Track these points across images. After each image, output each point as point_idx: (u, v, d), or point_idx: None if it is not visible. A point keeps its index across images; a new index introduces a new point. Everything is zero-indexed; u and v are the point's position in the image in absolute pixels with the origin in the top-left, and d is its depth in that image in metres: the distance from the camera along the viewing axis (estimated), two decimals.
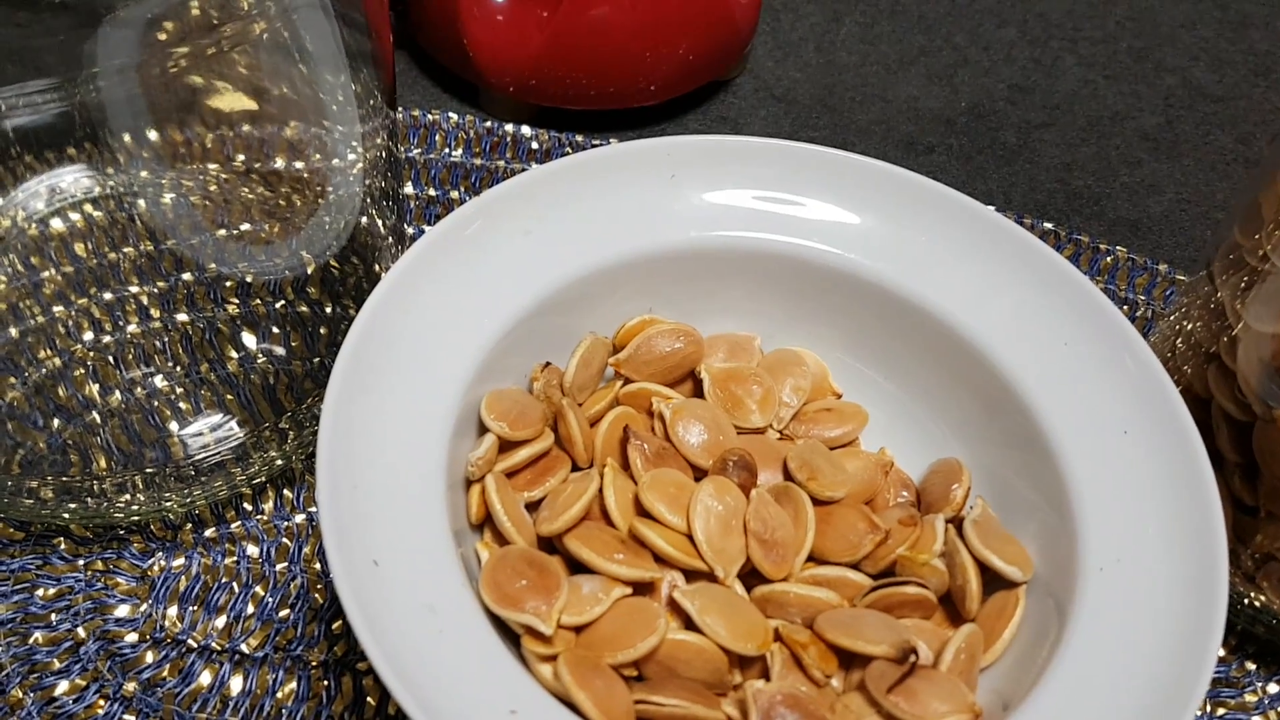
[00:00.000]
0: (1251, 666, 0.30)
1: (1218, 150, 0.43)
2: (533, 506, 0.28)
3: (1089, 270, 0.38)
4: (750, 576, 0.27)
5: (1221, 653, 0.31)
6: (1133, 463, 0.26)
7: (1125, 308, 0.37)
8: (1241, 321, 0.27)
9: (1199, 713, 0.30)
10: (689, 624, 0.25)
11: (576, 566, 0.26)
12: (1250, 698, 0.30)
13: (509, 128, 0.40)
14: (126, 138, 0.30)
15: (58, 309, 0.31)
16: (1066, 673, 0.24)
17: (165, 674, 0.27)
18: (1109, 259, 0.38)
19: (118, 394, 0.30)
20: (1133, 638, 0.24)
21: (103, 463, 0.29)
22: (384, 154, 0.31)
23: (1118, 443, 0.27)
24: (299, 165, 0.32)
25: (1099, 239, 0.39)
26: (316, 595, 0.29)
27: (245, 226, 0.33)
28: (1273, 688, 0.30)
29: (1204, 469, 0.26)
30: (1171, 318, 0.31)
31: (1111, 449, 0.27)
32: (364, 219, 0.32)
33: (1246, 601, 0.30)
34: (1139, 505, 0.26)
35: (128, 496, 0.29)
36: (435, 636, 0.23)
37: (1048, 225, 0.39)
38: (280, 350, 0.32)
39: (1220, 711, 0.30)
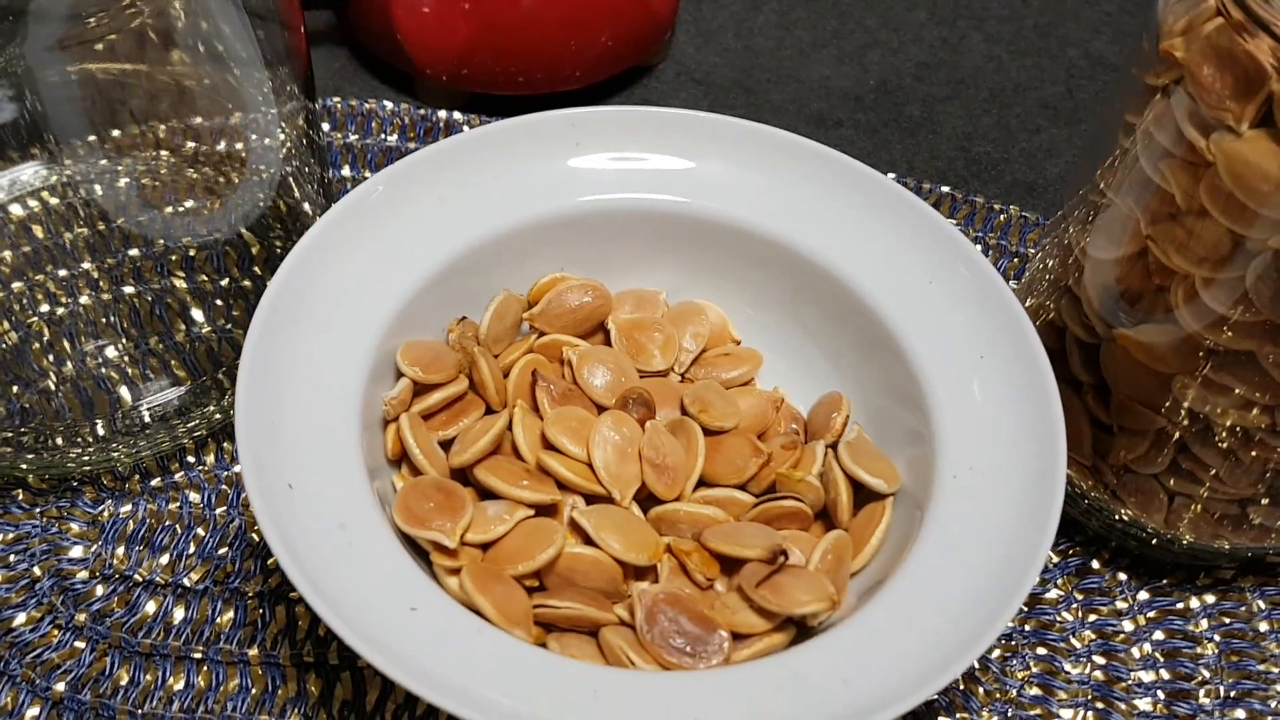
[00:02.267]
0: (1123, 577, 0.33)
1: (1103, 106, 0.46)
2: (447, 446, 0.30)
3: (983, 228, 0.41)
4: (647, 501, 0.29)
5: (1096, 566, 0.33)
6: (987, 383, 0.29)
7: (1015, 260, 0.40)
8: (1086, 252, 0.30)
9: (1072, 619, 0.32)
10: (587, 540, 0.28)
11: (488, 499, 0.29)
12: (1121, 604, 0.32)
13: (442, 114, 0.43)
14: (67, 129, 0.32)
15: (15, 285, 0.34)
16: (919, 564, 0.26)
17: (114, 606, 0.30)
18: (1002, 217, 0.41)
19: (71, 362, 0.33)
20: (978, 531, 0.26)
21: (56, 421, 0.32)
22: (304, 139, 0.34)
23: (974, 366, 0.29)
24: (220, 147, 0.35)
25: (994, 200, 0.42)
26: (253, 535, 0.31)
27: (189, 203, 0.35)
28: (1143, 595, 0.33)
29: (1050, 386, 0.28)
30: (1037, 257, 0.33)
31: (968, 372, 0.29)
32: (294, 199, 0.35)
33: (1117, 518, 0.32)
34: (992, 419, 0.28)
35: (79, 450, 0.31)
36: (344, 549, 0.25)
37: (946, 189, 0.42)
38: (224, 322, 0.34)
39: (1092, 618, 0.32)
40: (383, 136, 0.42)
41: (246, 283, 0.36)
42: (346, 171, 0.41)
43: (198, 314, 0.34)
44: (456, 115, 0.43)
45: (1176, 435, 0.29)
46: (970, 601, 0.25)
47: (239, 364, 0.26)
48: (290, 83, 0.31)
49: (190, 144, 0.34)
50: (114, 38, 0.25)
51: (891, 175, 0.42)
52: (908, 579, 0.26)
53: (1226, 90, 0.24)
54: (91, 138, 0.33)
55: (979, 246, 0.40)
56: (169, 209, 0.35)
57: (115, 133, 0.33)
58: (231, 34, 0.29)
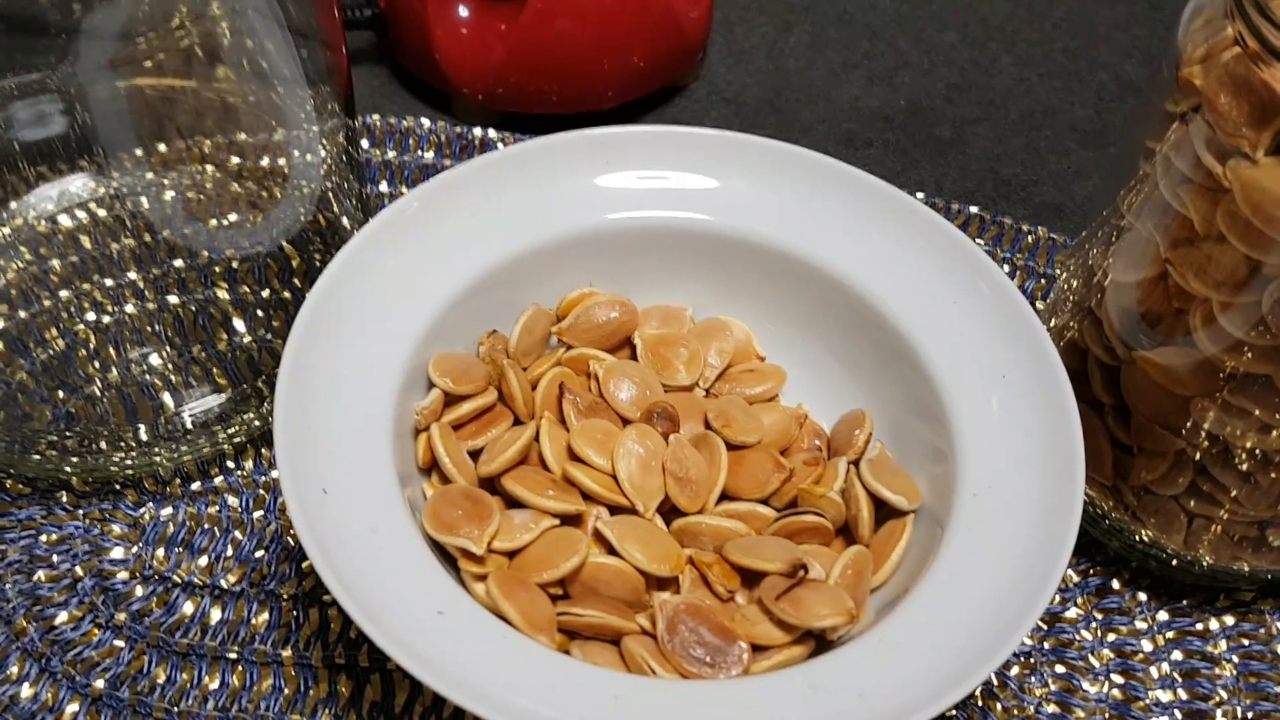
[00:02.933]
0: (1143, 597, 0.33)
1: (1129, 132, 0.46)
2: (476, 455, 0.31)
3: (1011, 249, 0.41)
4: (671, 513, 0.30)
5: (1116, 585, 0.33)
6: (1009, 402, 0.29)
7: (1042, 281, 0.40)
8: (1107, 275, 0.30)
9: (1091, 638, 0.32)
10: (611, 550, 0.29)
11: (514, 508, 0.29)
12: (1140, 624, 0.32)
13: (477, 131, 0.44)
14: (112, 144, 0.33)
15: (64, 294, 0.35)
16: (938, 580, 0.27)
17: (153, 606, 0.31)
18: (1030, 239, 0.41)
19: (116, 369, 0.34)
20: (996, 548, 0.27)
21: (101, 426, 0.33)
22: (344, 155, 0.35)
23: (996, 385, 0.30)
24: (264, 163, 0.36)
25: (1022, 221, 0.42)
26: (289, 539, 0.32)
27: (233, 217, 0.36)
28: (1162, 615, 0.33)
29: (1070, 407, 0.29)
30: (1060, 279, 0.34)
31: (990, 391, 0.30)
32: (333, 213, 0.36)
33: (1137, 539, 0.32)
34: (1013, 438, 0.29)
35: (122, 454, 0.32)
36: (376, 553, 0.26)
37: (974, 210, 0.42)
38: (265, 332, 0.35)
39: (1111, 637, 0.32)
40: (420, 153, 0.43)
41: (286, 294, 0.37)
42: (384, 187, 0.42)
43: (239, 324, 0.36)
44: (491, 133, 0.43)
45: (1196, 457, 0.30)
46: (987, 617, 0.26)
47: (278, 373, 0.27)
48: (331, 100, 0.32)
49: (234, 159, 0.35)
50: (162, 56, 0.26)
51: (920, 195, 0.43)
52: (926, 594, 0.26)
53: (1243, 118, 0.24)
54: (139, 151, 0.34)
55: (1007, 268, 0.40)
56: (213, 222, 0.36)
57: (162, 147, 0.34)
58: (275, 53, 0.30)
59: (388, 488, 0.28)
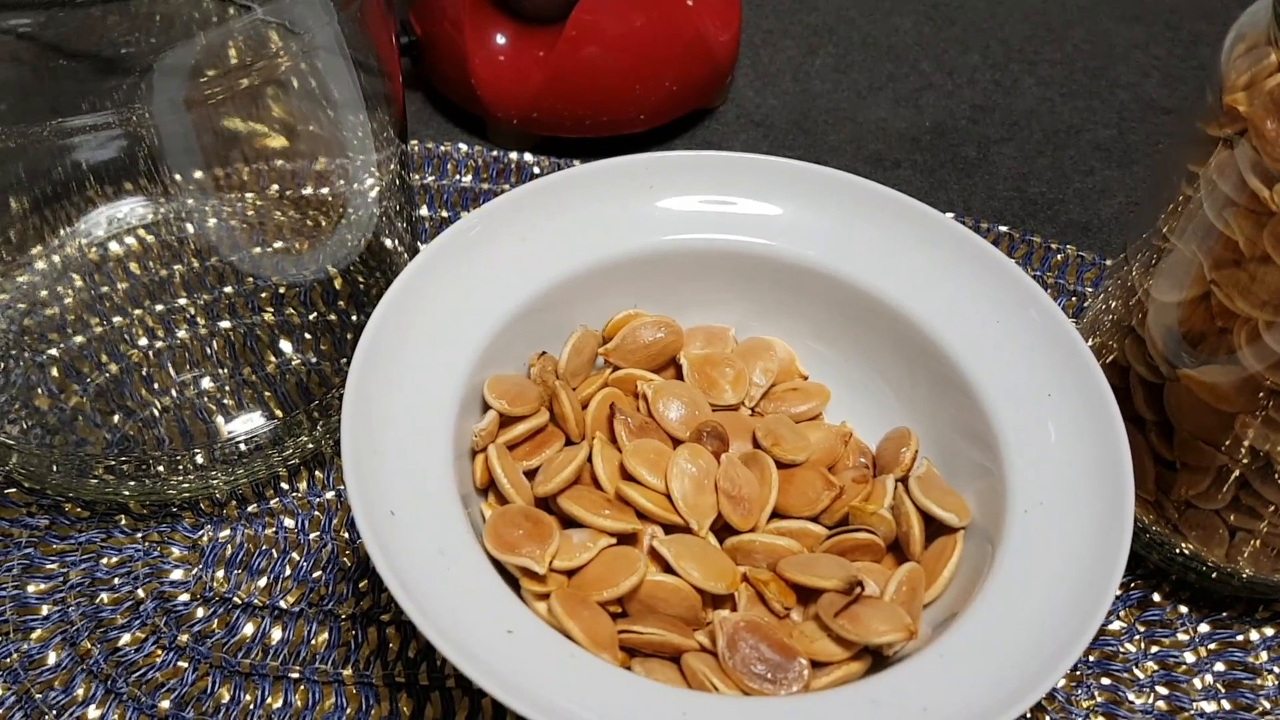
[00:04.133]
0: (1184, 610, 0.34)
1: (1164, 155, 0.47)
2: (531, 475, 0.31)
3: (1040, 267, 0.42)
4: (723, 530, 0.31)
5: (1157, 599, 0.34)
6: (1055, 421, 0.30)
7: (1073, 299, 0.41)
8: (1149, 295, 0.31)
9: (1135, 650, 0.33)
10: (667, 569, 0.29)
11: (570, 526, 0.30)
12: (1183, 636, 0.33)
13: (513, 155, 0.44)
14: (173, 171, 0.34)
15: (117, 320, 0.36)
16: (993, 597, 0.27)
17: (214, 627, 0.31)
18: (1059, 256, 0.42)
19: (171, 393, 0.35)
20: (1050, 565, 0.27)
21: (156, 449, 0.33)
22: (397, 180, 0.36)
23: (1042, 404, 0.30)
24: (324, 191, 0.37)
25: (1051, 240, 0.43)
26: (345, 559, 0.33)
27: (278, 244, 0.37)
28: (1204, 628, 0.33)
29: (1116, 424, 0.29)
30: (1099, 299, 0.35)
31: (1037, 410, 0.30)
32: (385, 239, 0.37)
33: (1178, 552, 0.33)
34: (1060, 456, 0.29)
35: (179, 477, 0.33)
36: (444, 573, 0.27)
37: (1003, 229, 0.43)
38: (312, 355, 0.36)
39: (1154, 649, 0.33)
40: (458, 177, 0.43)
41: (332, 317, 0.37)
42: (425, 211, 0.42)
43: (286, 346, 0.36)
44: (528, 157, 0.44)
45: (1238, 472, 0.30)
46: (1043, 633, 0.26)
47: (343, 398, 0.28)
48: (387, 127, 0.33)
49: (293, 187, 0.36)
50: (232, 90, 0.27)
51: (950, 215, 0.44)
52: (982, 611, 0.27)
53: None
54: (200, 175, 0.35)
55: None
56: (268, 247, 0.37)
57: (224, 176, 0.35)
58: (339, 84, 0.31)
59: (451, 509, 0.28)
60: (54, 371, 0.35)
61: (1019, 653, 0.26)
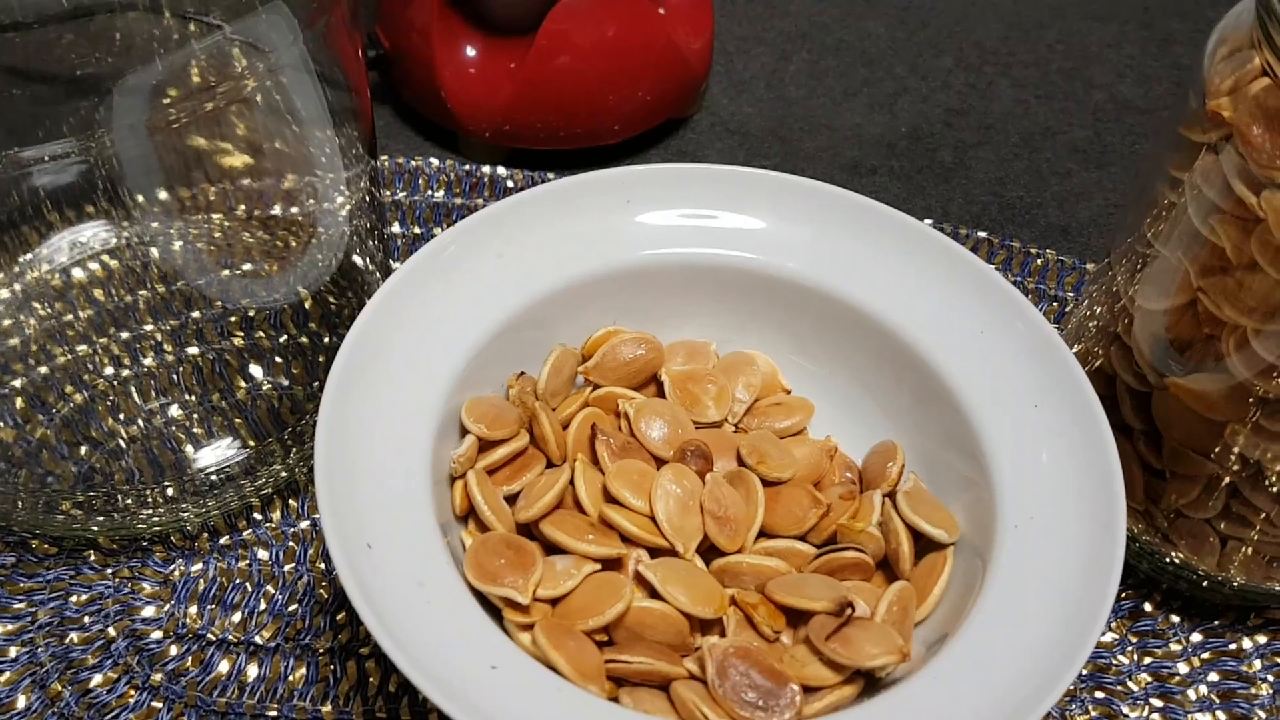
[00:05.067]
0: (1176, 619, 0.33)
1: (1143, 158, 0.47)
2: (511, 500, 0.31)
3: (1020, 272, 0.41)
4: (709, 552, 0.30)
5: (1148, 609, 0.33)
6: (1043, 433, 0.30)
7: (1055, 304, 0.41)
8: (1134, 302, 0.30)
9: (1128, 662, 0.32)
10: (653, 594, 0.28)
11: (553, 552, 0.29)
12: (1175, 646, 0.33)
13: (486, 169, 0.44)
14: (136, 194, 0.33)
15: (81, 349, 0.35)
16: (986, 615, 0.27)
17: (188, 665, 0.30)
18: (1039, 261, 0.42)
19: (139, 422, 0.34)
20: (1043, 581, 0.27)
21: (125, 482, 0.32)
22: (367, 197, 0.35)
23: (1029, 416, 0.30)
24: (293, 210, 0.36)
25: (1030, 244, 0.43)
26: (321, 591, 0.32)
27: (246, 266, 0.36)
28: (1196, 637, 0.33)
29: (1105, 435, 0.29)
30: (1082, 305, 0.34)
31: (1024, 422, 0.30)
32: (356, 257, 0.36)
33: (1168, 560, 0.33)
34: (1049, 469, 0.29)
35: (149, 510, 0.32)
36: (424, 608, 0.26)
37: (982, 234, 0.42)
38: (284, 379, 0.35)
39: (1147, 660, 0.32)
40: (429, 193, 0.43)
41: (303, 339, 0.36)
42: (396, 228, 0.41)
43: (256, 371, 0.35)
44: (501, 170, 0.43)
45: (1228, 480, 0.30)
46: (1039, 652, 0.26)
47: (316, 425, 0.27)
48: (356, 143, 0.32)
49: (260, 207, 0.35)
50: (196, 111, 0.26)
51: (928, 221, 0.43)
52: (975, 630, 0.26)
53: (1277, 149, 0.25)
54: (164, 197, 0.34)
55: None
56: (234, 270, 0.36)
57: (186, 198, 0.34)
58: (304, 101, 0.30)
59: (430, 539, 0.27)
60: (18, 403, 0.34)
61: (1015, 673, 0.25)
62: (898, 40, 0.52)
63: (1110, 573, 0.26)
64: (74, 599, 0.31)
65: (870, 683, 0.27)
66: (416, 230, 0.42)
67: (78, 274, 0.36)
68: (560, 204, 0.34)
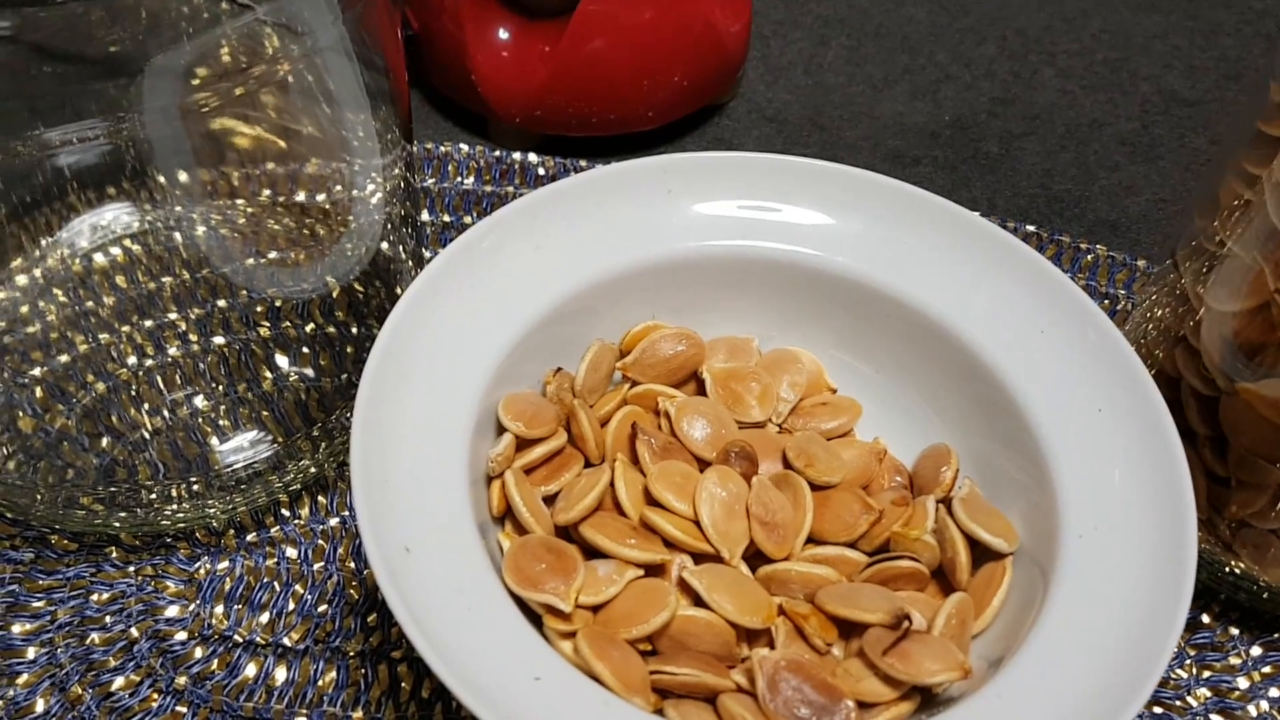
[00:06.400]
0: (1235, 631, 0.32)
1: (1192, 151, 0.45)
2: (549, 500, 0.29)
3: (1071, 268, 0.40)
4: (755, 558, 0.29)
5: (1206, 620, 0.32)
6: (1107, 438, 0.28)
7: (1106, 302, 0.39)
8: (1203, 303, 0.29)
9: (1186, 676, 0.31)
10: (698, 601, 0.27)
11: (592, 555, 0.28)
12: (1234, 660, 0.31)
13: (517, 156, 0.42)
14: (163, 177, 0.32)
15: (103, 337, 0.34)
16: (1050, 631, 0.26)
17: (214, 668, 0.29)
18: (1089, 257, 0.40)
19: (163, 413, 0.33)
20: (1110, 597, 0.26)
21: (149, 476, 0.31)
22: (401, 184, 0.34)
23: (1092, 420, 0.29)
24: (323, 197, 0.35)
25: (1080, 239, 0.41)
26: (351, 591, 0.31)
27: (273, 254, 0.35)
28: (1256, 650, 0.32)
29: (1173, 441, 0.28)
30: (1143, 305, 0.33)
31: (1087, 426, 0.29)
32: (384, 245, 0.35)
33: (1228, 570, 0.31)
34: (1114, 477, 0.28)
35: (173, 506, 0.31)
36: (464, 614, 0.25)
37: (1030, 228, 0.41)
38: (310, 370, 0.34)
39: (1206, 674, 0.31)
40: (459, 179, 0.41)
41: (330, 330, 0.35)
42: (425, 215, 0.40)
43: (283, 361, 0.34)
44: (532, 157, 0.42)
45: None
46: (1108, 670, 0.24)
47: (350, 423, 0.26)
48: (392, 128, 0.31)
49: (290, 193, 0.34)
50: (232, 94, 0.25)
51: (976, 214, 0.42)
52: (1040, 646, 0.25)
53: None
54: (188, 180, 0.33)
55: None
56: (265, 258, 0.35)
57: (216, 180, 0.33)
58: (340, 84, 0.29)
59: (469, 542, 0.26)
60: (37, 392, 0.32)
61: (1083, 693, 0.24)
62: (939, 26, 0.50)
63: (1181, 590, 0.25)
64: (95, 598, 0.30)
65: (925, 699, 0.26)
66: (446, 218, 0.40)
67: (99, 259, 0.35)
68: (599, 193, 0.32)
